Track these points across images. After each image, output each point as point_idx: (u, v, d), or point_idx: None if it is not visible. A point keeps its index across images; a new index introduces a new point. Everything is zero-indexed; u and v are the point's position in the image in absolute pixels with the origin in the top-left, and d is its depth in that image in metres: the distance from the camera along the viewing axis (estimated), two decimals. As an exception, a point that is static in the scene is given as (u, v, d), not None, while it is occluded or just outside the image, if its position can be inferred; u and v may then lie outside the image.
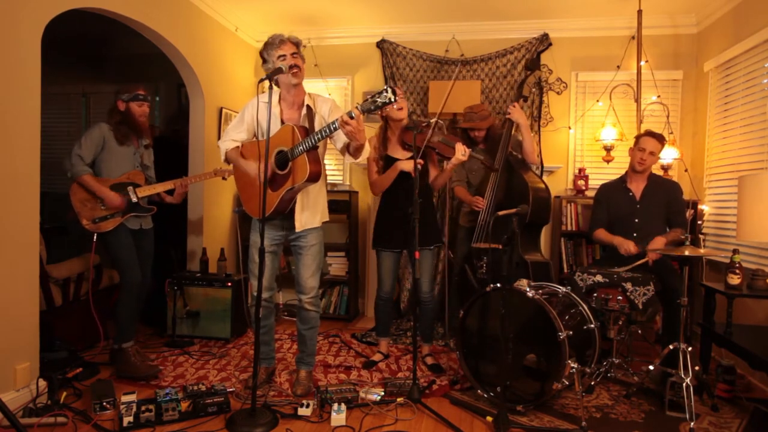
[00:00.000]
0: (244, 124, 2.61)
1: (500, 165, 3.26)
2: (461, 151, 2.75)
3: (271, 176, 2.46)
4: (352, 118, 2.19)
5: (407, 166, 2.88)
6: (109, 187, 2.86)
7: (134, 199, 2.91)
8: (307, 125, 2.51)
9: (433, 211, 3.16)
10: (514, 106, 3.32)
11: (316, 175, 2.40)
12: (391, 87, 2.12)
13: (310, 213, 2.61)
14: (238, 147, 2.62)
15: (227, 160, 2.66)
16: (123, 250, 2.89)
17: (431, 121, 3.03)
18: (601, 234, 3.20)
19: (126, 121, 2.94)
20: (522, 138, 3.35)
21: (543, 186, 3.47)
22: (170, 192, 3.12)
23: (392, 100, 2.12)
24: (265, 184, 2.34)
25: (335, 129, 2.28)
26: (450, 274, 3.78)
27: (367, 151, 2.52)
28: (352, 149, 2.45)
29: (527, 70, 3.48)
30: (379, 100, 2.13)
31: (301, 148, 2.35)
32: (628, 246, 3.00)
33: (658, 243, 2.93)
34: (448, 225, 3.97)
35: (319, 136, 2.32)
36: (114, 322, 2.94)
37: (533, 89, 4.12)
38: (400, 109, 2.95)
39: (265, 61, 2.50)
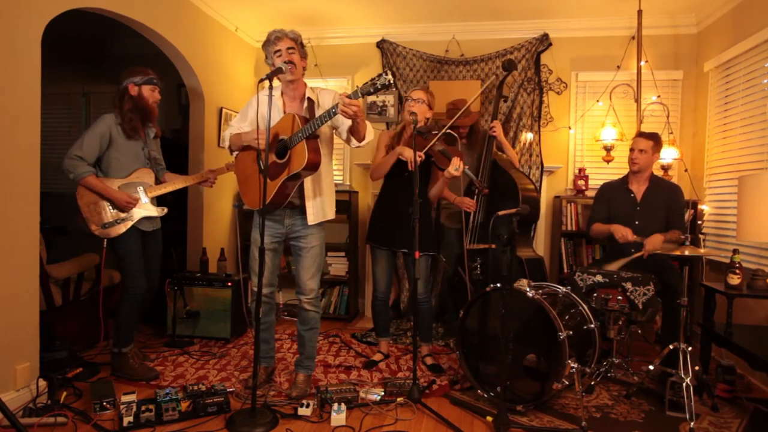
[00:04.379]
0: (247, 119, 2.63)
1: (487, 184, 3.32)
2: (454, 166, 2.71)
3: (270, 165, 2.45)
4: (353, 98, 2.21)
5: (406, 153, 2.84)
6: (118, 187, 2.73)
7: (144, 200, 2.78)
8: (308, 116, 2.52)
9: (429, 219, 3.09)
10: (496, 123, 3.41)
11: (314, 164, 2.37)
12: (391, 70, 2.14)
13: (325, 205, 2.61)
14: (237, 134, 2.61)
15: (230, 148, 2.66)
16: (131, 256, 2.76)
17: (443, 131, 3.01)
18: (597, 226, 3.19)
19: (137, 107, 2.75)
20: (505, 152, 3.50)
21: (531, 185, 3.49)
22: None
23: (391, 82, 2.14)
24: (266, 176, 2.33)
25: (335, 113, 2.28)
26: (446, 275, 3.78)
27: (371, 132, 2.53)
28: (355, 130, 2.44)
29: (504, 71, 3.49)
30: (378, 82, 2.16)
31: (300, 135, 2.35)
32: (624, 232, 2.97)
33: (657, 239, 2.93)
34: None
35: (319, 121, 2.32)
36: (114, 325, 2.87)
37: (524, 89, 4.13)
38: (412, 112, 2.94)
39: (266, 57, 2.54)
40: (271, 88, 2.30)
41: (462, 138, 3.49)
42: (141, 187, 2.80)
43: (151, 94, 2.81)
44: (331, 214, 2.67)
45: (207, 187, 3.06)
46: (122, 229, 2.73)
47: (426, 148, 2.87)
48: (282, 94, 2.60)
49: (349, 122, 2.41)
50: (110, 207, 2.72)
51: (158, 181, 2.93)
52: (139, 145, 2.84)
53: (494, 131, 3.39)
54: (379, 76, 2.15)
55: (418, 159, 2.83)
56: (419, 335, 3.14)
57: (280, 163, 2.44)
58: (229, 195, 4.35)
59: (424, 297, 3.03)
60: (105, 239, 2.71)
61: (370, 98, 4.40)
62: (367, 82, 2.19)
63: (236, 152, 2.68)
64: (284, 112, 2.55)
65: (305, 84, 2.61)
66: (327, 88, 2.69)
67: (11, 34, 2.34)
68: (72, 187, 2.76)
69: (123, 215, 2.73)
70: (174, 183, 2.92)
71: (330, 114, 2.29)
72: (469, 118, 3.46)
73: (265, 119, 2.47)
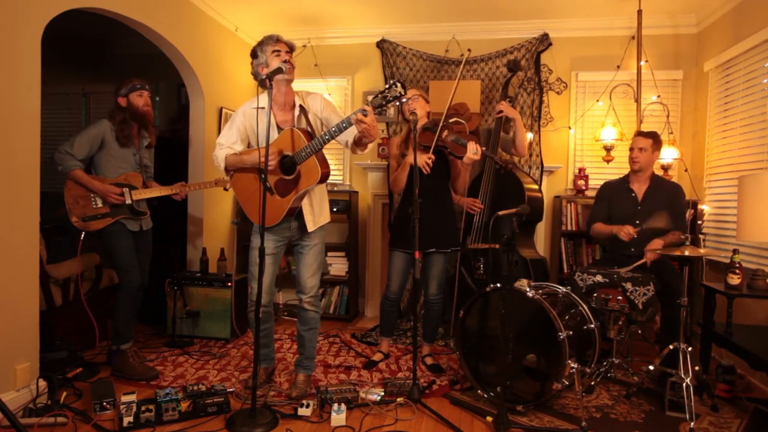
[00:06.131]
0: (236, 134, 2.54)
1: (486, 187, 3.30)
2: (473, 150, 2.71)
3: (277, 182, 2.44)
4: (365, 115, 2.18)
5: (417, 161, 2.83)
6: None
7: (128, 201, 2.86)
8: (303, 125, 2.50)
9: (451, 213, 3.05)
10: (502, 104, 3.33)
11: (326, 176, 2.39)
12: (400, 81, 2.12)
13: (319, 212, 2.62)
14: (236, 154, 2.55)
15: (227, 169, 2.59)
16: (123, 253, 2.85)
17: (450, 121, 2.99)
18: (599, 226, 3.19)
19: (130, 116, 2.88)
20: (514, 132, 3.36)
21: (535, 185, 3.48)
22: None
23: (402, 93, 2.11)
24: (265, 192, 2.29)
25: (346, 127, 2.27)
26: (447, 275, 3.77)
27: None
28: (361, 142, 2.42)
29: (509, 71, 3.49)
30: (389, 95, 2.14)
31: (309, 150, 2.32)
32: (627, 229, 2.98)
33: (656, 245, 2.93)
34: None
35: (329, 136, 2.29)
36: (112, 323, 2.92)
37: (524, 89, 4.13)
38: (413, 112, 2.94)
39: (255, 57, 2.47)
40: (270, 88, 2.28)
41: None
42: (126, 189, 2.87)
43: (138, 99, 2.91)
44: (327, 217, 2.68)
45: (176, 200, 3.11)
46: (101, 224, 2.81)
47: (435, 141, 2.86)
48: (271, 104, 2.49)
49: (353, 133, 2.38)
50: (94, 203, 2.81)
51: (146, 187, 3.00)
52: (131, 151, 2.94)
53: (500, 111, 3.29)
54: (389, 88, 2.12)
55: (429, 161, 2.83)
56: (424, 334, 3.14)
57: (288, 180, 2.42)
58: (229, 197, 4.35)
59: (436, 298, 3.03)
60: (83, 232, 2.81)
61: (369, 97, 4.40)
62: (377, 95, 2.16)
63: (232, 172, 2.62)
64: (277, 124, 2.50)
65: (294, 92, 2.56)
66: (311, 92, 2.65)
67: (11, 34, 2.34)
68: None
69: (104, 211, 2.82)
70: (161, 189, 3.02)
71: (340, 128, 2.27)
72: (471, 123, 3.44)
73: (259, 135, 2.45)
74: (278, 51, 2.42)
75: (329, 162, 4.60)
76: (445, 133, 2.89)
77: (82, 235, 2.81)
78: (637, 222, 3.09)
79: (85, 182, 2.78)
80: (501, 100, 3.48)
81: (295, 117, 2.53)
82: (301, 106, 2.53)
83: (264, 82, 2.28)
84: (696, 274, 3.65)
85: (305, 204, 2.54)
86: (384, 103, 2.16)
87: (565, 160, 4.21)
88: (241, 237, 4.38)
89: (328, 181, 4.33)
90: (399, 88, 2.11)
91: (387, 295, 3.11)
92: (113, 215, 2.83)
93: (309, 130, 2.47)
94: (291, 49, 2.48)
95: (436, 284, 3.01)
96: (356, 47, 4.51)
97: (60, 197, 2.80)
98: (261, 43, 2.47)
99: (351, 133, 2.40)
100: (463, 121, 2.98)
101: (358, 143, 2.44)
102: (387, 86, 2.14)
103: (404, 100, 2.90)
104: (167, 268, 3.78)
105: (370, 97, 2.22)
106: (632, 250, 3.02)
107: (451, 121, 2.96)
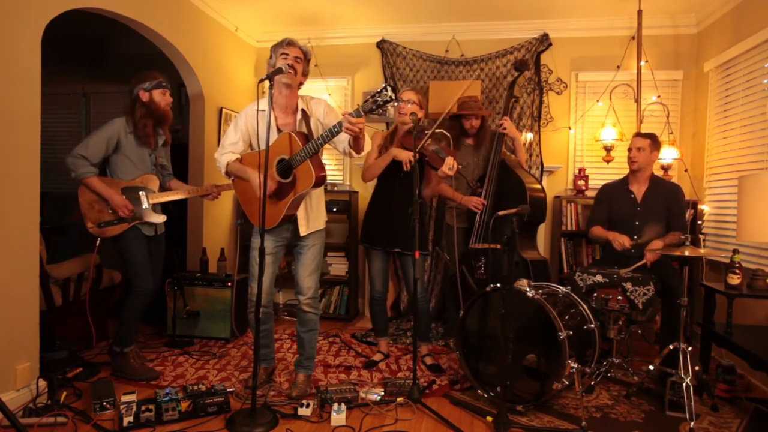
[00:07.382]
0: (238, 135, 2.56)
1: (495, 182, 3.30)
2: (449, 165, 2.70)
3: (275, 186, 2.45)
4: (353, 116, 2.18)
5: (401, 155, 2.84)
6: (121, 189, 2.75)
7: (145, 206, 2.79)
8: (304, 130, 2.50)
9: (422, 219, 3.09)
10: (506, 120, 3.36)
11: (322, 180, 2.39)
12: (390, 85, 2.12)
13: (314, 216, 2.62)
14: (238, 159, 2.57)
15: (228, 173, 2.60)
16: (137, 258, 2.78)
17: (436, 130, 3.00)
18: (597, 230, 3.21)
19: (150, 113, 2.79)
20: (515, 149, 3.45)
21: (538, 185, 3.49)
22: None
23: (393, 98, 2.12)
24: (265, 195, 2.29)
25: (338, 132, 2.27)
26: (447, 275, 3.78)
27: (368, 144, 2.50)
28: (356, 144, 2.42)
29: (516, 71, 3.49)
30: (380, 99, 2.13)
31: (304, 154, 2.33)
32: (622, 240, 3.00)
33: (656, 245, 2.94)
34: (434, 227, 4.02)
35: (321, 140, 2.30)
36: (117, 325, 2.88)
37: (524, 89, 4.13)
38: (414, 112, 2.96)
39: (270, 57, 2.52)
40: (271, 88, 2.29)
41: (469, 137, 3.47)
42: (143, 192, 2.81)
43: (162, 97, 2.86)
44: (322, 224, 2.67)
45: (209, 201, 3.06)
46: (117, 230, 2.75)
47: (419, 147, 2.87)
48: (274, 106, 2.47)
49: (347, 137, 2.39)
50: (110, 207, 2.74)
51: (163, 188, 2.95)
52: (147, 151, 2.87)
53: (503, 128, 3.35)
54: (380, 92, 2.12)
55: (412, 160, 2.83)
56: (418, 335, 3.14)
57: (285, 183, 2.43)
58: (229, 195, 4.35)
59: (421, 296, 3.03)
60: (99, 238, 2.75)
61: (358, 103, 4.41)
62: (368, 99, 2.16)
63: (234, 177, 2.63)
64: (278, 127, 2.50)
65: (298, 96, 2.57)
66: (315, 97, 2.66)
67: (11, 34, 2.34)
68: (72, 187, 2.78)
69: (120, 217, 2.75)
70: (177, 192, 2.95)
71: (333, 132, 2.28)
72: (483, 111, 3.45)
73: (259, 135, 2.47)
74: (286, 54, 2.43)
75: (330, 162, 4.66)
76: (429, 141, 2.89)
77: (98, 241, 2.75)
78: (637, 223, 3.09)
79: (99, 191, 2.70)
80: (507, 99, 3.48)
81: (297, 121, 2.54)
82: (303, 110, 2.54)
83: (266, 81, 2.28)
84: (696, 274, 3.65)
85: (300, 208, 2.54)
86: (374, 107, 2.16)
87: (565, 160, 4.21)
88: (243, 237, 4.38)
89: (329, 181, 4.39)
90: (389, 93, 2.10)
91: (373, 296, 3.12)
92: (130, 220, 2.76)
93: (306, 133, 2.47)
94: (304, 55, 2.49)
95: (418, 283, 3.01)
96: (356, 47, 4.51)
97: (64, 198, 2.78)
98: (276, 45, 2.49)
99: (346, 138, 2.41)
100: (449, 135, 3.01)
101: (354, 146, 2.44)
102: (377, 91, 2.14)
103: (395, 104, 2.91)
104: (167, 268, 3.77)
105: (359, 102, 2.23)
106: (632, 251, 3.02)
107: (438, 131, 2.97)
